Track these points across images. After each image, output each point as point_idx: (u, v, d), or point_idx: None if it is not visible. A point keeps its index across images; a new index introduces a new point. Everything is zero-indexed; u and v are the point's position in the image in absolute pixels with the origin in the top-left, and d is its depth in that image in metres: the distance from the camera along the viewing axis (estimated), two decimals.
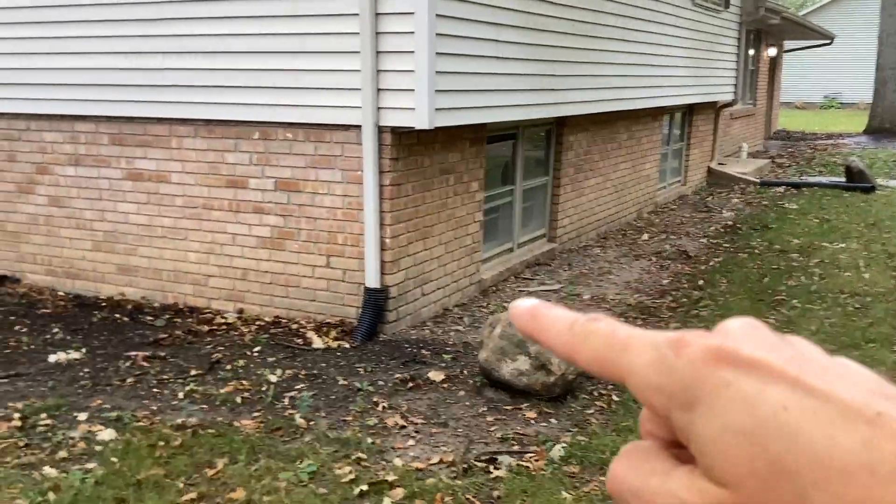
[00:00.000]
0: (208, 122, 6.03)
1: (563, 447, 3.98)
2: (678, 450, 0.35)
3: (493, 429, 4.26)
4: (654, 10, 9.34)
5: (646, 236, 9.49)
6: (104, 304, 6.51)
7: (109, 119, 6.39)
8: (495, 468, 3.78)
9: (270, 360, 5.25)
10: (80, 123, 6.54)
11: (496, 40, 6.01)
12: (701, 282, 7.36)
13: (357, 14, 5.19)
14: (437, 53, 5.23)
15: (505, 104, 6.29)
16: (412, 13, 5.08)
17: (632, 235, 9.55)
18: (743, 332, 0.34)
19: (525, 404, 4.54)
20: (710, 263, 8.10)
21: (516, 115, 6.57)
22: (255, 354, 5.35)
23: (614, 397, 4.67)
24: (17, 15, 6.45)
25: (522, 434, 4.19)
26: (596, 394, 4.73)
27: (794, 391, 0.31)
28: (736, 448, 0.31)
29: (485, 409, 4.52)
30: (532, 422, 4.35)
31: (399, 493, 3.51)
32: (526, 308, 0.40)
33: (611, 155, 9.49)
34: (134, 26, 6.02)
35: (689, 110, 12.67)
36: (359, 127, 5.47)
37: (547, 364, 4.54)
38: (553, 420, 4.37)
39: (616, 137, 9.56)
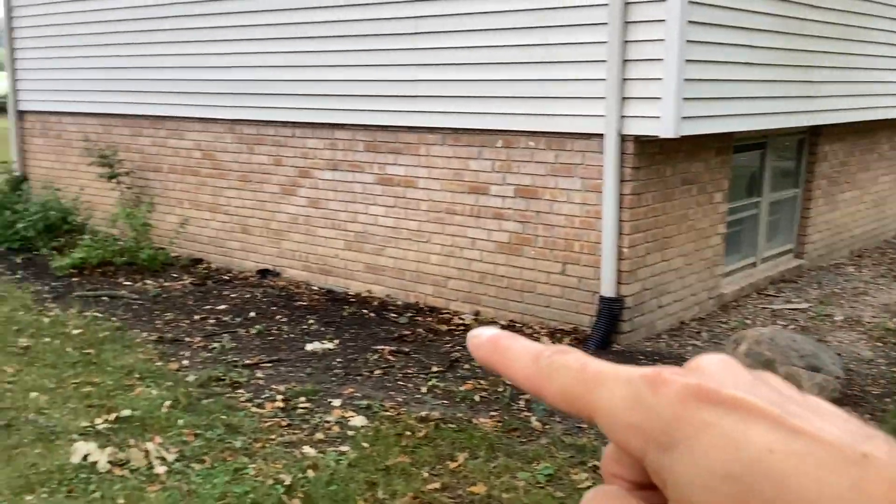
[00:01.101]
0: (455, 130, 6.29)
1: None
2: (646, 492, 0.34)
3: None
4: None
5: None
6: (353, 299, 6.97)
7: (365, 127, 6.84)
8: None
9: None
10: (338, 131, 7.05)
11: (749, 45, 5.77)
12: None
13: (606, 23, 5.20)
14: (687, 61, 5.12)
15: (754, 112, 6.03)
16: (663, 20, 5.01)
17: (892, 254, 8.77)
18: (719, 370, 0.33)
19: None
20: None
21: (766, 123, 6.27)
22: None
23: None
24: (284, 31, 7.07)
25: None
26: None
27: (779, 432, 0.30)
28: (720, 492, 0.30)
29: None
30: None
31: None
32: (487, 338, 0.37)
33: (870, 167, 8.77)
34: (391, 41, 6.41)
35: None
36: (601, 135, 5.47)
37: (797, 387, 4.29)
38: None
39: (876, 148, 8.82)
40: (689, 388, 0.31)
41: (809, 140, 7.73)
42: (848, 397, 4.73)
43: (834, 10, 6.84)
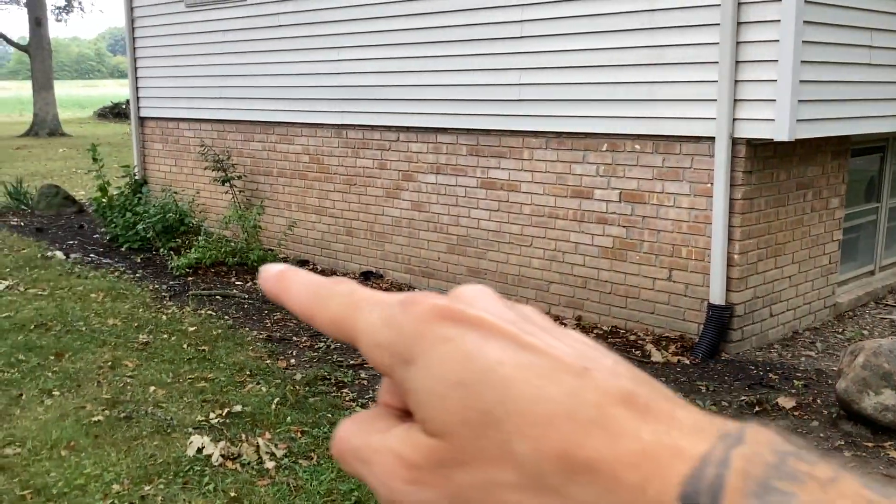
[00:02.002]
0: (559, 134, 6.25)
1: None
2: (408, 416, 0.34)
3: (850, 465, 3.90)
4: None
5: None
6: None
7: (469, 131, 6.88)
8: None
9: None
10: (442, 135, 7.11)
11: (869, 46, 5.52)
12: None
13: (717, 24, 5.08)
14: (802, 62, 4.94)
15: (873, 115, 5.77)
16: (777, 20, 4.85)
17: None
18: (473, 296, 0.35)
19: (889, 443, 4.13)
20: None
21: (886, 126, 5.98)
22: None
23: None
24: (390, 37, 7.19)
25: (886, 475, 3.81)
26: None
27: (512, 348, 0.31)
28: (450, 400, 0.31)
29: (841, 442, 4.18)
30: None
31: None
32: (275, 271, 0.39)
33: None
34: (496, 45, 6.43)
35: None
36: (711, 139, 5.34)
37: None
38: None
39: None
40: (436, 307, 0.33)
41: None
42: None
43: None
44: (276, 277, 0.39)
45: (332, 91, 7.82)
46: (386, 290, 7.44)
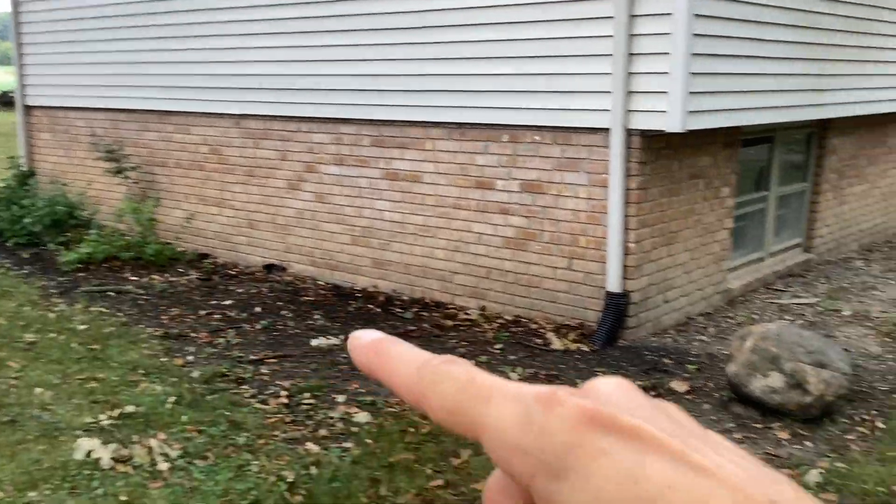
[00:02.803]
0: (461, 125, 6.26)
1: (819, 473, 3.72)
2: None
3: (740, 447, 4.06)
4: None
5: None
6: (359, 294, 6.96)
7: (371, 122, 6.82)
8: None
9: (511, 357, 5.36)
10: (344, 126, 7.03)
11: (757, 39, 5.72)
12: None
13: (612, 17, 5.16)
14: (693, 54, 5.08)
15: (763, 106, 5.98)
16: (669, 14, 4.97)
17: None
18: (616, 394, 0.31)
19: (776, 424, 4.30)
20: None
21: (775, 117, 6.21)
22: (497, 352, 5.49)
23: (879, 424, 4.30)
24: (291, 26, 7.05)
25: (774, 455, 3.97)
26: (857, 419, 4.38)
27: (679, 468, 0.28)
28: None
29: (732, 425, 4.33)
30: (784, 443, 4.10)
31: None
32: (368, 341, 0.35)
33: (879, 160, 8.71)
34: (397, 34, 6.38)
35: None
36: (607, 130, 5.44)
37: (803, 383, 4.26)
38: (808, 443, 4.10)
39: (887, 141, 8.76)
40: (586, 411, 0.29)
41: (818, 134, 7.67)
42: (855, 394, 4.70)
43: (844, 2, 6.77)
44: (370, 349, 0.35)
45: (232, 80, 7.62)
46: (289, 282, 7.33)
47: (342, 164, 7.11)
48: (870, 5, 7.11)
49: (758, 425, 4.31)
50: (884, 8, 7.37)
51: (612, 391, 0.32)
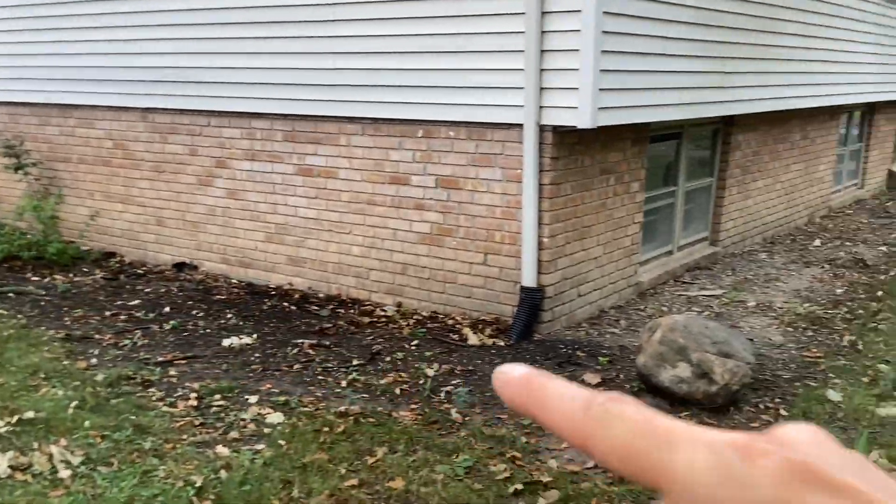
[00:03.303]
0: (375, 120, 6.21)
1: None
2: None
3: None
4: (837, 3, 8.80)
5: (818, 242, 8.97)
6: (273, 292, 6.84)
7: (284, 117, 6.70)
8: None
9: (427, 353, 5.35)
10: (256, 120, 6.89)
11: (665, 37, 5.84)
12: (880, 293, 6.88)
13: (523, 13, 5.19)
14: (603, 51, 5.15)
15: (670, 103, 6.12)
16: (579, 10, 5.02)
17: (802, 241, 9.05)
18: (815, 445, 0.30)
19: (684, 413, 4.40)
20: (891, 273, 7.56)
21: (682, 113, 6.37)
22: (413, 348, 5.47)
23: (782, 412, 4.45)
24: (200, 17, 6.88)
25: None
26: (762, 407, 4.53)
27: None
28: None
29: None
30: None
31: (554, 494, 3.49)
32: (518, 376, 0.33)
33: (782, 156, 9.03)
34: (308, 27, 6.28)
35: (870, 109, 11.86)
36: (520, 126, 5.47)
37: (709, 373, 4.38)
38: None
39: (788, 137, 9.09)
40: (795, 464, 0.28)
41: (723, 130, 7.90)
42: (759, 382, 4.86)
43: (746, 1, 6.99)
44: (523, 385, 0.32)
45: (138, 72, 7.38)
46: (200, 280, 7.15)
47: (255, 159, 6.97)
48: (771, 4, 7.36)
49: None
50: (785, 7, 7.63)
51: (807, 440, 0.30)
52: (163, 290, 6.83)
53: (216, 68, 6.91)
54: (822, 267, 7.82)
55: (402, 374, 4.94)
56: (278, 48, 6.49)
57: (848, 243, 8.91)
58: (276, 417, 4.26)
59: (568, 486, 3.56)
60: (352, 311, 6.32)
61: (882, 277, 7.41)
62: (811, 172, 9.91)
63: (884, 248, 8.64)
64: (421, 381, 4.83)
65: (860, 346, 5.54)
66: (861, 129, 11.92)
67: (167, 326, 5.85)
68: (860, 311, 6.35)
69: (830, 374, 5.02)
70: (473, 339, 5.64)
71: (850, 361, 5.25)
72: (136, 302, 6.48)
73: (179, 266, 7.55)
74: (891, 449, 4.00)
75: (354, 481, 3.58)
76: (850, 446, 3.65)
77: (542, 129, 5.40)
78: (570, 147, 5.61)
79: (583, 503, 3.44)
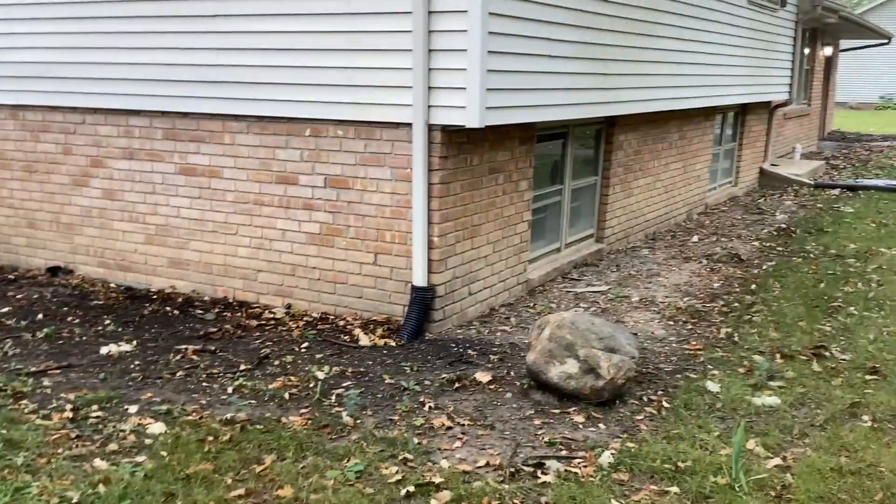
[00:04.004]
0: (261, 118, 6.06)
1: (612, 453, 3.91)
2: None
3: (540, 432, 4.21)
4: (711, 8, 9.17)
5: (696, 238, 9.33)
6: (155, 296, 6.59)
7: (164, 114, 6.46)
8: (543, 473, 3.73)
9: (318, 356, 5.26)
10: (134, 118, 6.62)
11: (549, 38, 5.94)
12: (753, 286, 7.21)
13: (410, 12, 5.17)
14: (490, 52, 5.19)
15: (556, 103, 6.22)
16: (465, 11, 5.04)
17: (681, 237, 9.40)
18: None
19: (573, 408, 4.49)
20: (764, 267, 7.93)
21: (567, 114, 6.49)
22: (303, 350, 5.37)
23: (665, 404, 4.59)
24: (75, 10, 6.55)
25: (570, 439, 4.13)
26: (645, 399, 4.66)
27: None
28: None
29: (532, 412, 4.47)
30: (580, 426, 4.29)
31: (446, 495, 3.48)
32: None
33: (661, 155, 9.35)
34: (190, 22, 6.08)
35: (743, 110, 12.43)
36: (409, 125, 5.45)
37: (596, 368, 4.47)
38: (602, 425, 4.31)
39: (667, 137, 9.42)
40: None
41: (606, 130, 8.11)
42: (643, 375, 5.00)
43: (631, 6, 7.19)
44: None
45: (6, 68, 6.99)
46: (76, 286, 6.82)
47: (133, 158, 6.69)
48: (649, 9, 7.60)
49: (556, 410, 4.48)
50: (662, 12, 7.90)
51: None
52: (35, 297, 6.48)
53: (91, 63, 6.60)
54: (700, 262, 8.14)
55: (292, 378, 4.84)
56: (157, 43, 6.25)
57: (724, 239, 9.31)
58: (157, 427, 4.09)
59: (460, 487, 3.56)
60: (239, 314, 6.15)
61: (755, 271, 7.77)
62: (689, 171, 10.31)
63: (756, 244, 9.07)
64: (311, 385, 4.74)
65: (736, 339, 5.78)
66: (734, 130, 12.48)
67: (40, 334, 5.54)
68: (736, 305, 6.63)
69: (709, 366, 5.22)
70: (365, 340, 5.58)
71: (727, 353, 5.47)
72: (7, 309, 6.12)
73: (53, 270, 7.18)
74: (766, 437, 4.18)
75: (241, 491, 3.48)
76: (728, 436, 3.78)
77: (430, 128, 5.40)
78: (458, 146, 5.62)
79: (475, 503, 3.44)
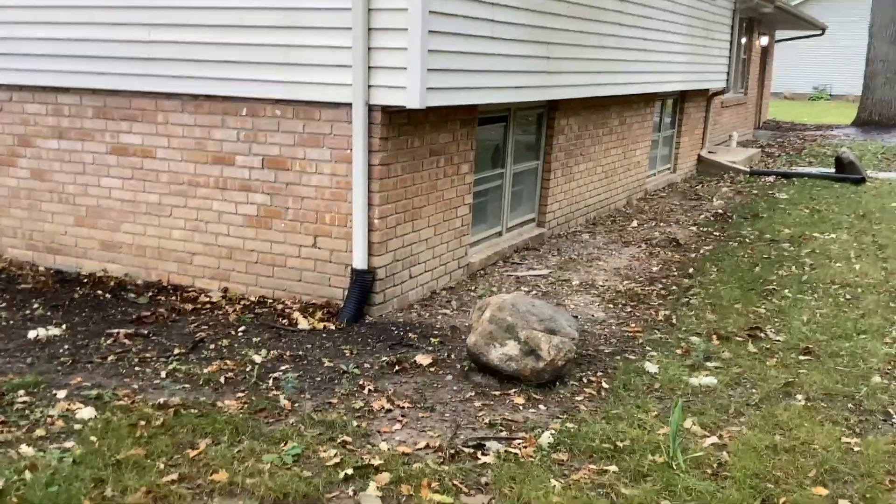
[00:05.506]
0: (195, 97, 5.90)
1: (551, 434, 3.92)
2: None
3: (480, 414, 4.19)
4: None
5: (635, 223, 9.43)
6: (86, 280, 6.39)
7: (94, 92, 6.25)
8: (483, 454, 3.72)
9: (255, 340, 5.16)
10: (63, 95, 6.39)
11: (491, 20, 5.90)
12: (691, 270, 7.31)
13: None
14: (430, 31, 5.12)
15: (498, 85, 6.19)
16: None
17: (621, 222, 9.49)
18: None
19: (513, 390, 4.48)
20: (701, 252, 8.06)
21: (509, 96, 6.47)
22: (240, 334, 5.26)
23: (604, 384, 4.61)
24: None
25: (511, 420, 4.13)
26: (585, 380, 4.68)
27: None
28: None
29: (472, 394, 4.46)
30: (520, 408, 4.28)
31: (385, 477, 3.44)
32: None
33: (602, 140, 9.41)
34: None
35: (681, 97, 12.60)
36: (349, 105, 5.36)
37: (536, 350, 4.47)
38: (542, 406, 4.31)
39: (608, 123, 9.48)
40: None
41: (548, 114, 8.13)
42: (583, 357, 5.02)
43: None
44: None
45: None
46: (2, 269, 6.57)
47: (63, 137, 6.47)
48: None
49: (496, 392, 4.47)
50: None
51: None
52: None
53: (16, 39, 6.34)
54: (640, 246, 8.22)
55: (228, 362, 4.73)
56: (86, 18, 6.03)
57: (662, 224, 9.43)
58: (87, 413, 3.95)
59: (399, 469, 3.52)
60: (173, 297, 6.00)
61: (693, 256, 7.89)
62: (629, 157, 10.41)
63: (694, 229, 9.21)
64: (248, 369, 4.65)
65: (674, 321, 5.85)
66: (673, 117, 12.65)
67: None
68: (674, 288, 6.72)
69: (648, 348, 5.27)
70: (304, 324, 5.50)
71: (665, 335, 5.54)
72: None
73: None
74: (702, 416, 4.24)
75: (174, 476, 3.38)
76: (666, 415, 3.81)
77: (371, 108, 5.32)
78: (399, 127, 5.56)
79: (414, 484, 3.41)
